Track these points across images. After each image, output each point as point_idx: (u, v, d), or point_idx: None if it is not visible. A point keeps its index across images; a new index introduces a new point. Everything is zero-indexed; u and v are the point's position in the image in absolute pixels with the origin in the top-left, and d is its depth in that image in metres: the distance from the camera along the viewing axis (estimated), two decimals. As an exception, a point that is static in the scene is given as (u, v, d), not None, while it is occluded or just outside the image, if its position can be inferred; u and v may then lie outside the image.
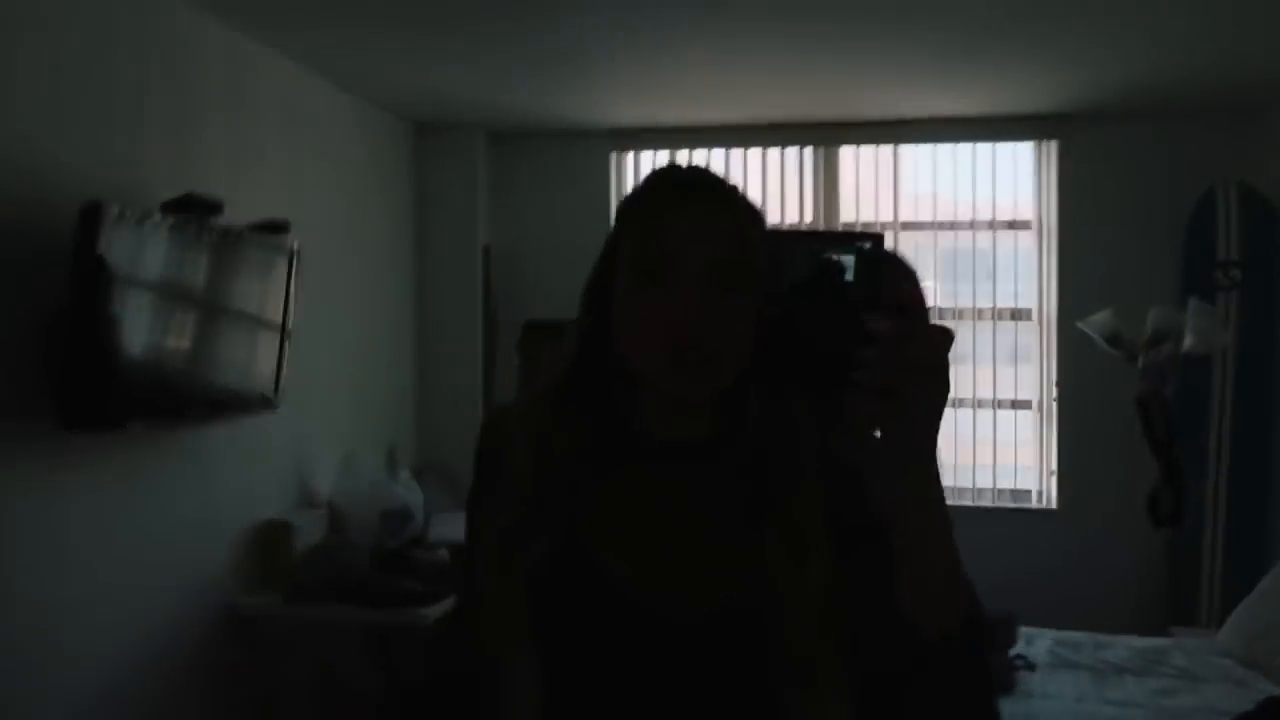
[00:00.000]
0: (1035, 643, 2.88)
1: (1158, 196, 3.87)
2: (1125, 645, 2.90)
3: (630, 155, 4.28)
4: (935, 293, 4.09)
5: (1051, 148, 3.98)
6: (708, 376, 0.84)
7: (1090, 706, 2.44)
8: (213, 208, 2.42)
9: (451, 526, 3.45)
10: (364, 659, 3.59)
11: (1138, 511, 3.52)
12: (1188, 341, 3.38)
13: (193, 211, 2.35)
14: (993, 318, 4.06)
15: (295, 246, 2.82)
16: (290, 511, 3.08)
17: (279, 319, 2.81)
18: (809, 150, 4.14)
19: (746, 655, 0.82)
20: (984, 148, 4.05)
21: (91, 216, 2.01)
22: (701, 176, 0.90)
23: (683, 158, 4.21)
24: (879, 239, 0.72)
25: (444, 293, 4.02)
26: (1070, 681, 2.62)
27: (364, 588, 2.84)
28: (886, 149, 4.10)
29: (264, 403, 2.75)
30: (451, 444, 3.97)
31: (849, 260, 0.71)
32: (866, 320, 0.69)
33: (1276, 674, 2.58)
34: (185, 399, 2.41)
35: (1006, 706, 2.42)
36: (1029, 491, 4.08)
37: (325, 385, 3.30)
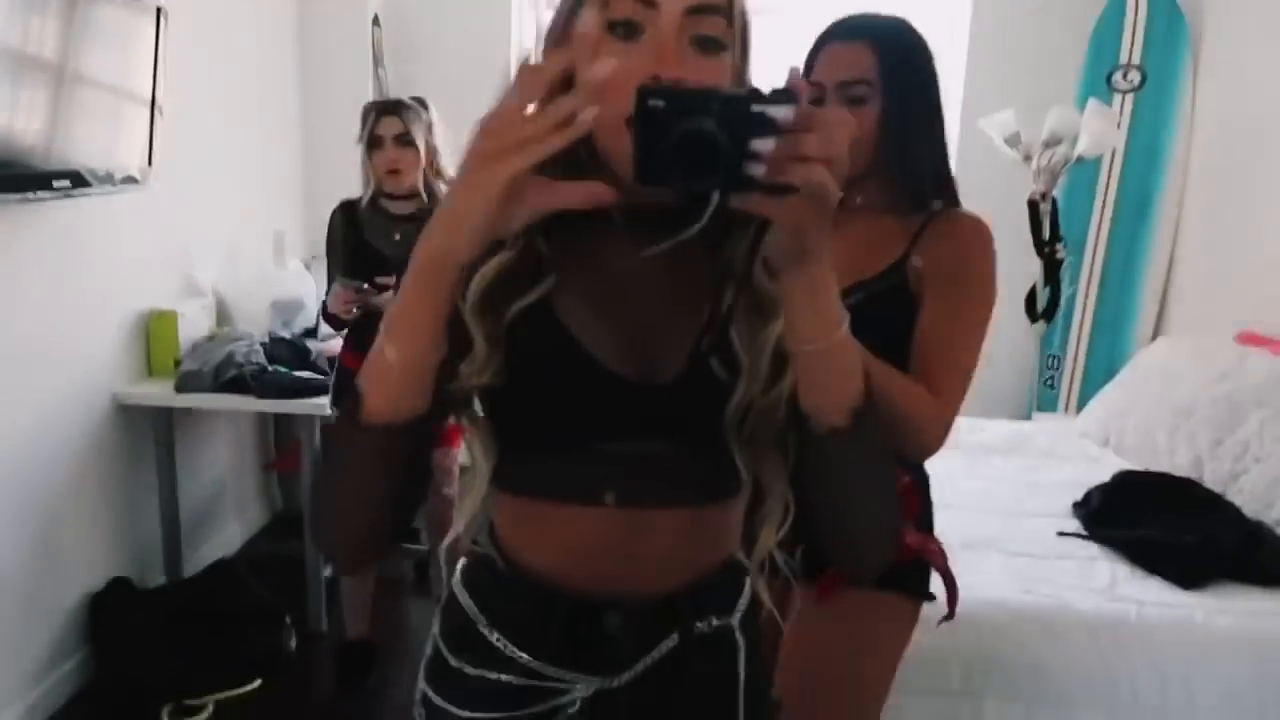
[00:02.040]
0: (916, 427, 3.08)
1: (1070, -6, 3.83)
2: (996, 428, 3.13)
3: (531, -80, 3.93)
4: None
5: (970, -64, 3.84)
6: None
7: (963, 482, 2.65)
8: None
9: (347, 317, 3.36)
10: (259, 448, 3.57)
11: (1017, 306, 3.72)
12: (1081, 144, 3.46)
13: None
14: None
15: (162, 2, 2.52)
16: (174, 300, 2.93)
17: (147, 86, 2.55)
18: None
19: (700, 415, 0.82)
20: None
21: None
22: None
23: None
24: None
25: (331, 66, 3.71)
26: (945, 461, 2.81)
27: (259, 377, 2.77)
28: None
29: (134, 180, 2.54)
30: (343, 232, 3.81)
31: None
32: (761, 109, 0.63)
33: (1125, 451, 2.84)
34: (41, 171, 2.19)
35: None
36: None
37: (203, 166, 3.06)
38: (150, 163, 2.58)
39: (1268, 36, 3.19)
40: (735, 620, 0.91)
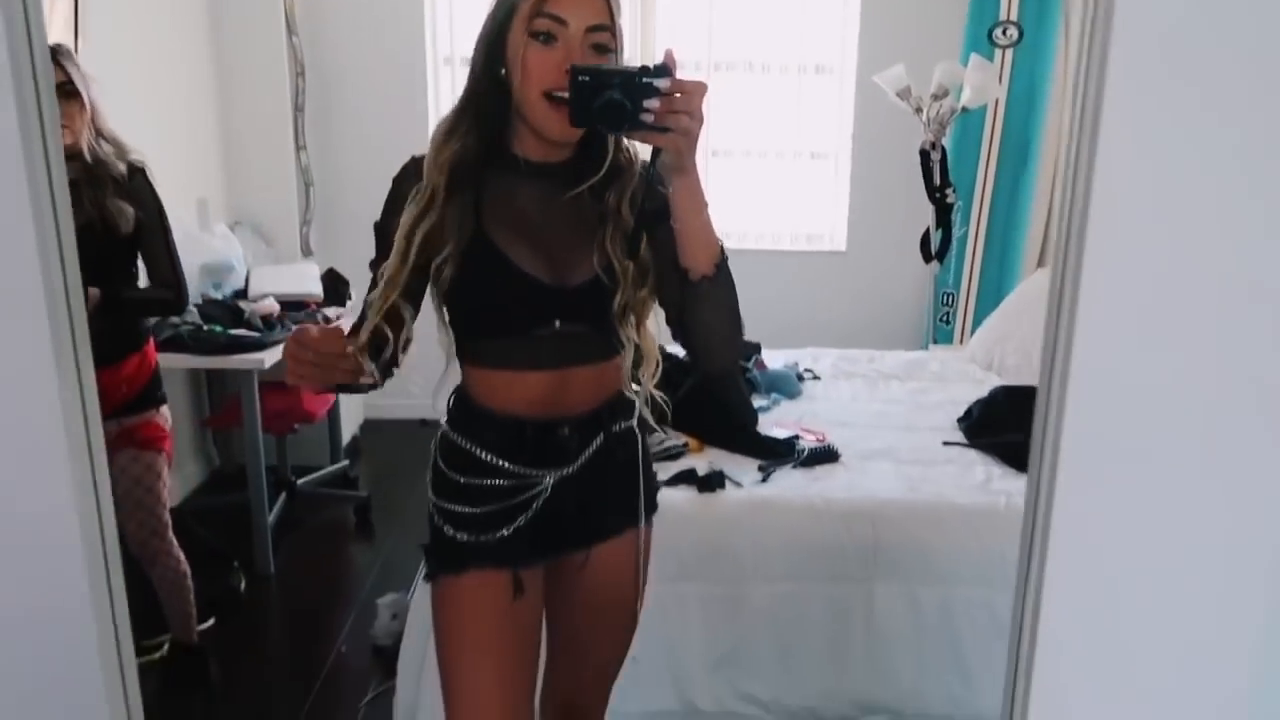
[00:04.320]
0: (821, 360, 3.33)
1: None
2: (894, 358, 3.40)
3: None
4: (744, 44, 4.22)
5: (860, -101, 4.06)
6: None
7: (862, 404, 2.91)
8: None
9: (272, 279, 3.46)
10: (195, 407, 3.65)
11: (914, 250, 4.00)
12: (965, 95, 3.73)
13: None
14: (797, 72, 4.27)
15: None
16: (103, 263, 2.98)
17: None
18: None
19: (597, 308, 1.25)
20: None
21: None
22: None
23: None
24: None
25: (245, 32, 3.76)
26: (848, 388, 3.08)
27: (195, 335, 2.86)
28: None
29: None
30: (265, 195, 3.88)
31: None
32: (649, 80, 1.05)
33: (1006, 372, 3.14)
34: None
35: (796, 406, 2.84)
36: (822, 235, 4.48)
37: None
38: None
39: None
40: (635, 424, 1.36)
